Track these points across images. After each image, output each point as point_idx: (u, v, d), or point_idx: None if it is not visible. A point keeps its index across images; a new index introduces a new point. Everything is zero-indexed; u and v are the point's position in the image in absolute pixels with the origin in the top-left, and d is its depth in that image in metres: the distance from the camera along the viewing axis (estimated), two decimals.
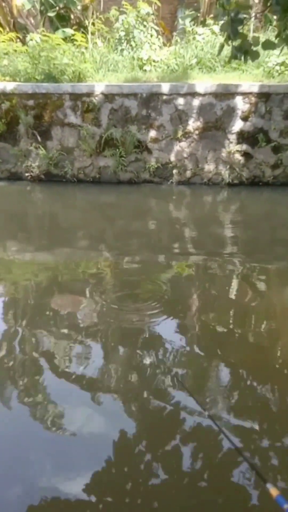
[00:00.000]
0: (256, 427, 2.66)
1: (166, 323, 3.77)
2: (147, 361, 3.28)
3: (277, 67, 7.26)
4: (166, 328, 3.72)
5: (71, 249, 5.56)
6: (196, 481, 2.31)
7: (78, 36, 8.00)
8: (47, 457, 2.49)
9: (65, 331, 3.68)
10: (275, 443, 2.56)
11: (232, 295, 4.36)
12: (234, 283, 4.71)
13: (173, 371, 3.17)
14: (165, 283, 4.53)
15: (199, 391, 2.96)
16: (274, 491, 1.45)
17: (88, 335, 3.62)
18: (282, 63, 7.26)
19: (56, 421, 2.75)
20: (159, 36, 8.18)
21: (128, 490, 2.29)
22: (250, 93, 7.16)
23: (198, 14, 8.69)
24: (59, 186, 7.65)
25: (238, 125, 7.24)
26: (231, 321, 3.84)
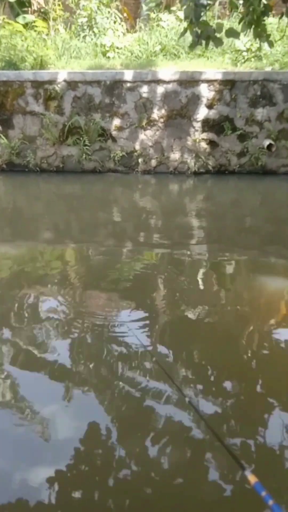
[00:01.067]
0: (234, 414, 2.59)
1: (132, 314, 3.67)
2: (115, 352, 3.17)
3: (243, 54, 7.20)
4: (132, 318, 3.62)
5: (35, 241, 5.40)
6: (173, 469, 2.21)
7: (40, 22, 7.79)
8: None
9: (29, 324, 3.55)
10: (254, 431, 2.48)
11: (200, 284, 4.28)
12: (202, 272, 4.64)
13: (144, 360, 3.07)
14: (132, 274, 4.42)
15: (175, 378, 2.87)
16: (252, 478, 1.39)
17: (53, 327, 3.49)
18: (248, 50, 7.20)
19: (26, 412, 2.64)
20: (123, 23, 8.03)
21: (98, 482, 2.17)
22: (215, 80, 7.09)
23: (162, 0, 8.57)
24: (21, 176, 7.45)
25: (203, 113, 7.17)
26: (198, 310, 3.76)
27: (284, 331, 3.49)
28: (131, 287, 4.15)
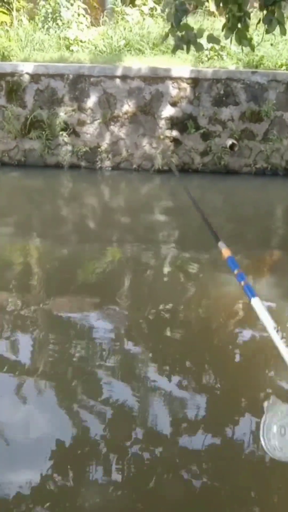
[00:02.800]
0: None
1: (97, 313, 3.68)
2: (80, 349, 3.19)
3: (206, 52, 7.24)
4: (98, 317, 3.64)
5: None
6: None
7: (2, 13, 7.64)
8: None
9: None
10: None
11: (164, 282, 4.34)
12: (165, 271, 4.70)
13: (109, 357, 3.10)
14: (96, 271, 4.43)
15: None
16: (226, 252, 1.28)
17: (18, 327, 3.47)
18: (212, 48, 7.25)
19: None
20: (87, 16, 7.95)
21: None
22: (180, 78, 7.13)
23: None
24: None
25: (167, 110, 7.20)
26: (163, 307, 3.80)
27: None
28: (94, 283, 4.17)
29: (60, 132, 7.21)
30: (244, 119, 7.22)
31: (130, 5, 7.96)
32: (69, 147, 7.32)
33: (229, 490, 2.21)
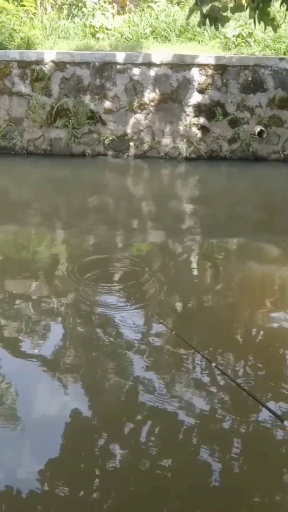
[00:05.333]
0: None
1: (130, 304, 3.67)
2: (115, 340, 3.21)
3: (234, 39, 7.24)
4: (130, 308, 3.62)
5: (23, 227, 5.35)
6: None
7: (27, 0, 7.66)
8: None
9: (26, 312, 3.55)
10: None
11: (193, 270, 4.32)
12: (194, 259, 4.68)
13: (141, 347, 3.10)
14: (125, 261, 4.41)
15: None
16: None
17: (49, 317, 3.47)
18: (239, 35, 7.26)
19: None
20: (113, 3, 7.96)
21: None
22: (207, 64, 7.14)
23: None
24: (7, 159, 7.35)
25: (194, 97, 7.21)
26: (195, 295, 3.82)
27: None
28: (125, 273, 4.15)
29: (87, 121, 7.22)
30: (272, 106, 7.24)
31: None
32: (96, 136, 7.33)
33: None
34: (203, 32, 7.50)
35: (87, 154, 7.36)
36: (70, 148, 7.36)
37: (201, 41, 7.48)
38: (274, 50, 7.41)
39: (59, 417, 2.55)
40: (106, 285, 3.90)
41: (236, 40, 7.33)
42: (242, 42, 7.38)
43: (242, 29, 7.33)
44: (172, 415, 2.52)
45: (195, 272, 4.35)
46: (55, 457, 2.30)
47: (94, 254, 4.58)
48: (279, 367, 3.00)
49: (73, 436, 2.43)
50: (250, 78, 7.18)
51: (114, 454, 2.30)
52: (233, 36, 7.28)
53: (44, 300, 3.72)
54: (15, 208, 5.84)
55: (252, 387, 2.68)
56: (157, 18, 7.56)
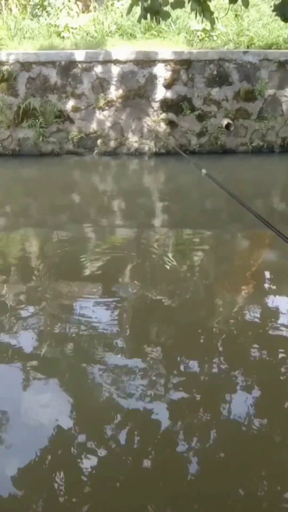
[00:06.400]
0: None
1: (102, 301, 3.68)
2: (81, 333, 3.23)
3: (198, 33, 7.34)
4: (102, 306, 3.64)
5: None
6: None
7: None
8: None
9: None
10: None
11: (167, 265, 4.38)
12: (167, 252, 4.73)
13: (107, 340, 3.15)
14: (97, 258, 4.43)
15: None
16: None
17: (20, 317, 3.48)
18: (203, 30, 7.35)
19: None
20: (78, 2, 8.02)
21: None
22: (172, 60, 7.24)
23: None
24: None
25: (161, 93, 7.30)
26: (167, 290, 3.86)
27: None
28: (99, 272, 4.16)
29: (54, 120, 7.24)
30: (238, 99, 7.35)
31: None
32: (64, 134, 7.37)
33: None
34: (167, 29, 7.58)
35: (56, 152, 7.39)
36: (38, 147, 7.38)
37: (166, 37, 7.56)
38: (238, 43, 7.53)
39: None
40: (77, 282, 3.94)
41: (201, 35, 7.42)
42: (206, 37, 7.48)
43: (206, 24, 7.42)
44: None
45: (169, 264, 4.41)
46: (43, 467, 2.29)
47: (66, 252, 4.60)
48: None
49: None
50: (215, 72, 7.28)
51: (105, 462, 2.31)
52: (197, 30, 7.37)
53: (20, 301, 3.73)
54: None
55: None
56: (121, 16, 7.63)
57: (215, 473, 2.21)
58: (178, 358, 2.99)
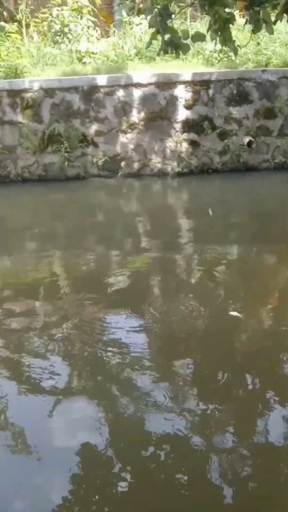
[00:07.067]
0: None
1: (129, 321, 3.79)
2: (118, 359, 3.33)
3: (215, 55, 7.47)
4: (130, 325, 3.74)
5: (21, 252, 5.49)
6: None
7: (12, 30, 7.90)
8: None
9: (24, 335, 3.70)
10: None
11: (196, 282, 4.48)
12: (194, 271, 4.84)
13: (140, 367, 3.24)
14: (127, 279, 4.56)
15: None
16: None
17: (49, 338, 3.59)
18: (220, 51, 7.48)
19: None
20: (97, 28, 8.21)
21: None
22: (192, 81, 7.40)
23: (134, 4, 8.79)
24: (2, 187, 7.53)
25: (182, 114, 7.44)
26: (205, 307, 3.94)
27: None
28: (127, 293, 4.29)
29: (79, 144, 7.41)
30: (259, 116, 7.46)
31: (137, 15, 8.21)
32: (88, 158, 7.53)
33: None
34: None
35: (81, 176, 7.56)
36: (64, 172, 7.55)
37: (185, 59, 7.70)
38: (256, 62, 7.65)
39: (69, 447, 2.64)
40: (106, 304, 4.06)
41: (219, 55, 7.56)
42: (225, 57, 7.61)
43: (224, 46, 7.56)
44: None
45: (196, 283, 4.51)
46: (67, 487, 2.39)
47: (94, 274, 4.74)
48: None
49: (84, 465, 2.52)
50: (235, 91, 7.42)
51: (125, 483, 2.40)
52: (215, 51, 7.51)
53: (49, 322, 3.86)
54: (12, 233, 6.01)
55: None
56: (140, 40, 7.81)
57: None
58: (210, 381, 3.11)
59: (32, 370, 3.28)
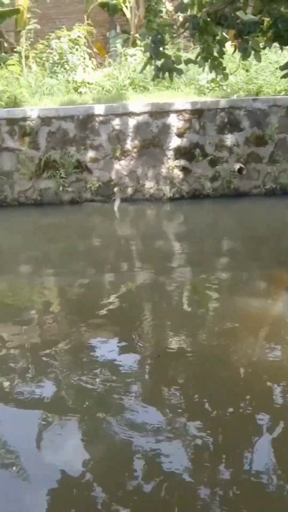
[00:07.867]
0: None
1: (121, 346, 3.91)
2: (107, 382, 3.39)
3: (207, 84, 7.73)
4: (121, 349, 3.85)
5: (13, 274, 5.64)
6: None
7: (12, 61, 8.25)
8: None
9: (16, 359, 3.79)
10: None
11: (186, 307, 4.57)
12: (187, 296, 4.95)
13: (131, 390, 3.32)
14: (118, 302, 4.67)
15: None
16: None
17: (41, 362, 3.69)
18: (212, 80, 7.74)
19: None
20: (92, 59, 8.54)
21: None
22: (184, 110, 7.64)
23: (129, 36, 9.14)
24: None
25: (174, 141, 7.67)
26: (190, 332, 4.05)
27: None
28: (117, 317, 4.40)
29: (73, 170, 7.66)
30: (249, 144, 7.67)
31: (132, 46, 8.55)
32: (83, 183, 7.77)
33: None
34: (178, 80, 8.01)
35: (75, 201, 7.79)
36: (59, 196, 7.80)
37: (177, 88, 7.98)
38: (247, 91, 7.89)
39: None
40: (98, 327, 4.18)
41: (210, 85, 7.82)
42: (216, 86, 7.87)
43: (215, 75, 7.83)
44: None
45: (188, 308, 4.62)
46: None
47: (87, 297, 4.87)
48: None
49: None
50: (226, 120, 7.65)
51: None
52: (207, 81, 7.77)
53: (41, 345, 3.98)
54: (6, 256, 6.20)
55: None
56: (134, 70, 8.11)
57: None
58: (201, 404, 3.17)
59: (19, 393, 3.32)
